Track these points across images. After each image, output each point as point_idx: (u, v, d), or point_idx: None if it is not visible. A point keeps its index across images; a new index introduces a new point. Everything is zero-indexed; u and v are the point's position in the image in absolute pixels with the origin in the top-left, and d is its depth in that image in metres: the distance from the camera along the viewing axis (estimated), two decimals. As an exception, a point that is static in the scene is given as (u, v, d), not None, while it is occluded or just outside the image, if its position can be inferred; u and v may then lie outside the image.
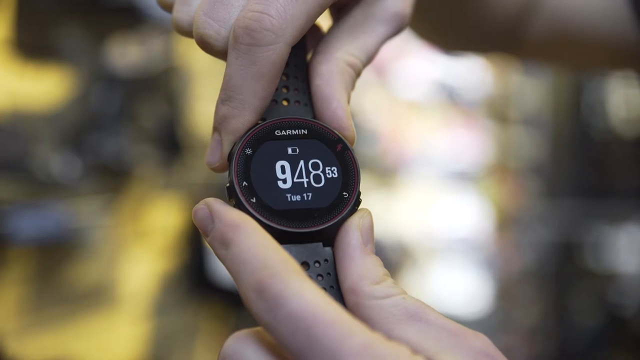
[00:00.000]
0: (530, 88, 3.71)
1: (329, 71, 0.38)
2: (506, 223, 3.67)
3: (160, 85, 2.16)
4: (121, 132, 1.96)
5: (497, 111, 3.78)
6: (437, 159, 3.49)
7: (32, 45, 1.76)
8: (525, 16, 0.64)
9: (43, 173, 1.71)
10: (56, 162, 1.77)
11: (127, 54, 2.02)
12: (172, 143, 2.17)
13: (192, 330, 2.40)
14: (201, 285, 2.34)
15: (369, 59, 0.40)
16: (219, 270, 2.30)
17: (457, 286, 3.44)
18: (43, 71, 1.80)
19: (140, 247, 2.16)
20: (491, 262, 3.57)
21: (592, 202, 3.36)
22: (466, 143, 3.57)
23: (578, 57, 0.69)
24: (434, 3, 0.60)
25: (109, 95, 1.94)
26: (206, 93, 2.34)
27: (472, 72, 3.54)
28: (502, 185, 3.72)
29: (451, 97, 3.54)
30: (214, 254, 0.32)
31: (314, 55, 0.40)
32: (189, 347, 2.39)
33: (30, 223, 1.65)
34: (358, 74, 0.40)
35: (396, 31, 0.41)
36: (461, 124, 3.60)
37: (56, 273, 1.86)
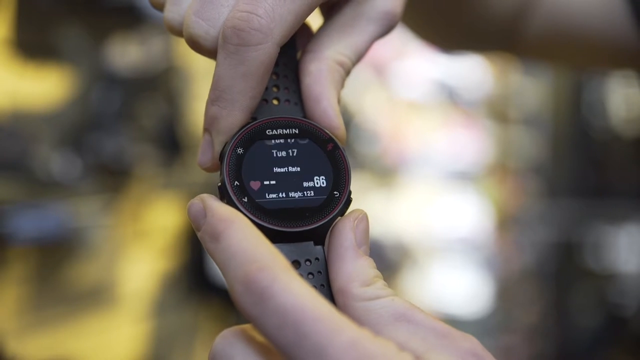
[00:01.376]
0: (530, 88, 3.71)
1: (319, 70, 0.38)
2: (506, 223, 3.67)
3: (160, 85, 2.16)
4: (121, 132, 1.96)
5: (497, 111, 3.78)
6: (437, 159, 3.49)
7: (32, 45, 1.76)
8: (523, 14, 0.64)
9: (43, 173, 1.71)
10: (56, 162, 1.76)
11: (127, 54, 2.02)
12: (172, 143, 2.17)
13: (192, 330, 2.40)
14: (201, 285, 2.34)
15: (358, 58, 0.40)
16: (219, 270, 2.30)
17: (457, 286, 3.44)
18: (43, 71, 1.80)
19: (140, 247, 2.16)
20: (491, 262, 3.57)
21: (592, 202, 3.36)
22: (466, 143, 3.57)
23: (576, 55, 0.69)
24: (432, 2, 0.60)
25: (109, 95, 1.94)
26: (206, 93, 2.33)
27: (472, 72, 3.54)
28: (502, 185, 3.72)
29: (451, 97, 3.55)
30: (205, 249, 0.33)
31: (303, 54, 0.40)
32: (189, 347, 2.39)
33: (30, 223, 1.65)
34: (348, 72, 0.40)
35: (386, 30, 0.41)
36: (461, 124, 3.60)
37: (56, 273, 1.86)
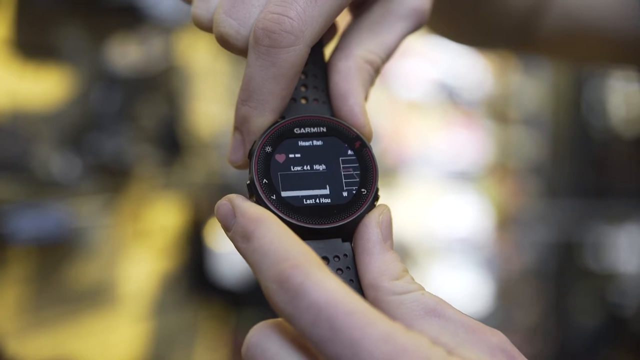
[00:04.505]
0: (530, 88, 3.71)
1: (347, 68, 0.39)
2: (506, 223, 3.67)
3: (160, 85, 2.16)
4: (121, 132, 1.96)
5: (497, 111, 3.78)
6: (437, 159, 3.49)
7: (32, 45, 1.76)
8: (537, 11, 0.64)
9: (43, 173, 1.71)
10: (56, 162, 1.76)
11: (127, 54, 2.02)
12: (172, 143, 2.17)
13: (192, 330, 2.40)
14: (201, 285, 2.34)
15: (388, 56, 0.41)
16: (219, 270, 2.30)
17: (457, 286, 3.44)
18: (43, 71, 1.80)
19: (140, 247, 2.16)
20: (491, 262, 3.57)
21: (592, 202, 3.36)
22: (466, 143, 3.57)
23: (590, 52, 0.69)
24: None
25: (109, 95, 1.94)
26: (206, 93, 2.34)
27: (472, 72, 3.54)
28: (502, 185, 3.72)
29: (451, 97, 3.54)
30: (235, 249, 0.33)
31: (333, 52, 0.40)
32: (189, 347, 2.39)
33: (30, 223, 1.65)
34: (377, 70, 0.40)
35: (415, 27, 0.42)
36: (461, 124, 3.60)
37: (56, 273, 1.86)
